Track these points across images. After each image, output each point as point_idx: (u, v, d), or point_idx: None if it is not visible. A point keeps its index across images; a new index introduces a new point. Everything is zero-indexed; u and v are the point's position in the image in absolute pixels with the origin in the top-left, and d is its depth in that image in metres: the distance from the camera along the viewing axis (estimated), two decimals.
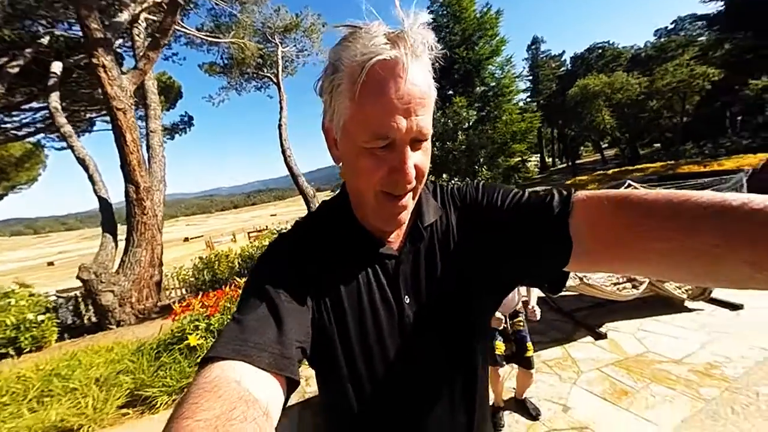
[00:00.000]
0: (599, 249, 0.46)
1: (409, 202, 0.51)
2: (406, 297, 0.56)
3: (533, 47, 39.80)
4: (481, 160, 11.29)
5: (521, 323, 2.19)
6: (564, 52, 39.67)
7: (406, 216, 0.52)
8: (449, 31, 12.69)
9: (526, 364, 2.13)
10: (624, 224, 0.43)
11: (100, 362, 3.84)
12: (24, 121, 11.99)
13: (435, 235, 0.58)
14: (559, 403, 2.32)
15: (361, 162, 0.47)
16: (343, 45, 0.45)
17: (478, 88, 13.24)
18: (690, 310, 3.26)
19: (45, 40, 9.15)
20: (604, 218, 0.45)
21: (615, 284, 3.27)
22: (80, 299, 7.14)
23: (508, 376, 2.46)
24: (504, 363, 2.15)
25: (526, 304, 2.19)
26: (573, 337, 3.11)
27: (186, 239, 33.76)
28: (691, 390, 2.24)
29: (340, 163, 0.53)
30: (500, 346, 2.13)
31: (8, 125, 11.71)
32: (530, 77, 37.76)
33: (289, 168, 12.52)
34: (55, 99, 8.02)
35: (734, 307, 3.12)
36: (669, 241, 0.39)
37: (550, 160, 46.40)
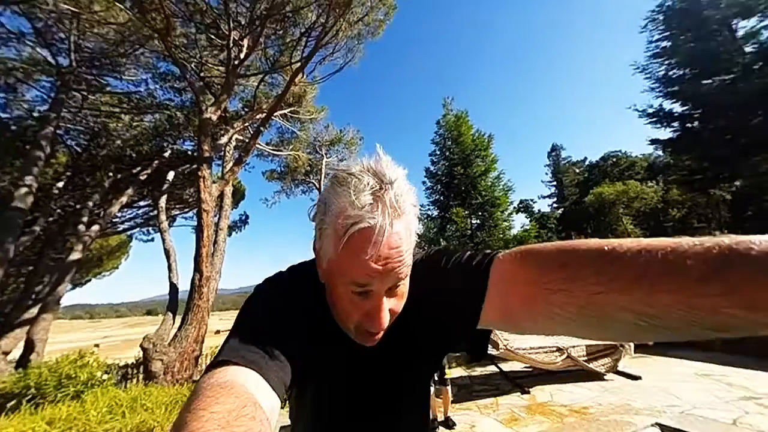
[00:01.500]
0: (515, 307, 0.48)
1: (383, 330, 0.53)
2: (377, 369, 0.63)
3: (553, 154, 42.41)
4: None
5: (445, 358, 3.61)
6: (586, 158, 40.71)
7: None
8: (450, 152, 15.66)
9: (444, 383, 3.52)
10: (528, 280, 0.45)
11: (163, 395, 5.33)
12: (128, 216, 14.60)
13: (401, 318, 0.57)
14: (470, 424, 3.50)
15: (340, 300, 0.52)
16: (334, 189, 0.49)
17: (475, 200, 15.57)
18: (604, 380, 4.25)
19: (167, 153, 12.10)
20: (514, 275, 0.48)
21: (541, 351, 4.36)
22: (130, 367, 8.83)
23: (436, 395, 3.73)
24: (431, 384, 3.54)
25: None
26: (508, 391, 4.24)
27: (218, 332, 36.07)
28: (559, 418, 3.37)
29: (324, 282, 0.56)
30: None
31: (117, 220, 13.93)
32: (554, 183, 40.04)
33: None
34: (163, 200, 10.79)
35: (634, 377, 4.11)
36: (561, 293, 0.41)
37: None
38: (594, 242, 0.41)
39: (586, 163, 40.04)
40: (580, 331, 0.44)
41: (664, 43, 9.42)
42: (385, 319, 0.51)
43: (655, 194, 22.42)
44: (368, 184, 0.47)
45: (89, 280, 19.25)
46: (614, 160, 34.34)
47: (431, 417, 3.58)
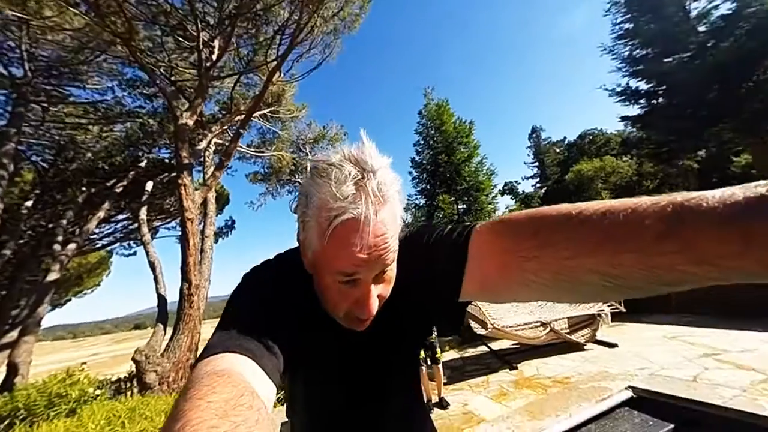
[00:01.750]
0: (492, 277, 0.50)
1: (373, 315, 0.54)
2: (366, 351, 0.65)
3: (534, 135, 43.57)
4: None
5: (434, 338, 3.86)
6: (565, 138, 41.91)
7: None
8: (434, 140, 15.89)
9: (435, 362, 3.77)
10: (504, 249, 0.47)
11: (162, 404, 5.37)
12: (107, 231, 13.99)
13: (387, 300, 0.58)
14: (463, 403, 3.73)
15: (328, 290, 0.53)
16: (314, 181, 0.49)
17: (460, 186, 15.94)
18: (585, 350, 4.57)
19: (143, 163, 11.70)
20: (491, 246, 0.50)
21: (527, 328, 4.62)
22: (122, 381, 8.74)
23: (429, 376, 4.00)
24: (423, 365, 3.78)
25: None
26: (497, 369, 4.50)
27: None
28: (543, 390, 3.63)
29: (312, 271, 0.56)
30: (421, 354, 3.75)
31: (95, 236, 13.31)
32: (536, 164, 41.24)
33: None
34: (143, 212, 10.48)
35: (611, 345, 4.44)
36: (535, 260, 0.42)
37: None
38: (563, 207, 0.42)
39: (566, 142, 41.12)
40: (555, 296, 0.47)
41: (627, 25, 9.86)
42: (374, 306, 0.52)
43: (630, 168, 23.45)
44: (350, 173, 0.46)
45: (69, 300, 18.69)
46: (591, 137, 35.40)
47: (426, 399, 3.80)
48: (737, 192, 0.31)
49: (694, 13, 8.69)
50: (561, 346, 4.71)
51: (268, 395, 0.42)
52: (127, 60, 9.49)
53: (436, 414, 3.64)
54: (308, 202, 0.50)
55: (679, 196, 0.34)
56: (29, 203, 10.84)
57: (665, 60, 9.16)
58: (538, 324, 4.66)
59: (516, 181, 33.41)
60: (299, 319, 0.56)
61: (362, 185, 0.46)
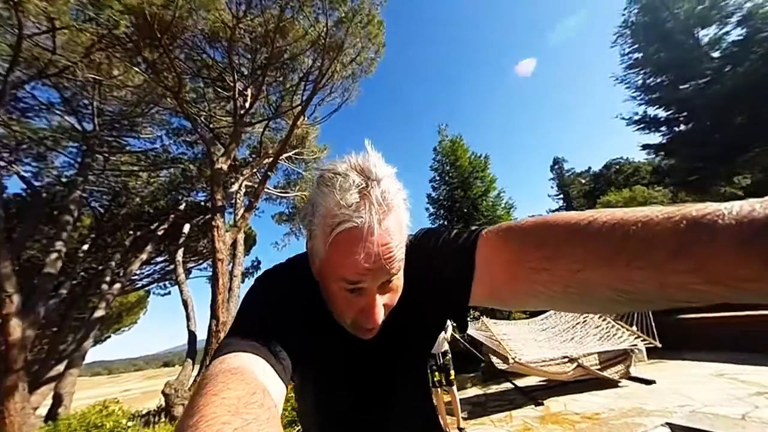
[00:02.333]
0: (499, 285, 0.50)
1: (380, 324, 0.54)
2: (374, 359, 0.67)
3: (556, 167, 42.11)
4: None
5: (448, 360, 3.84)
6: (590, 168, 39.90)
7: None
8: (449, 176, 16.10)
9: (449, 383, 3.76)
10: (512, 258, 0.47)
11: None
12: (146, 273, 14.75)
13: (397, 312, 0.58)
14: None
15: (334, 297, 0.54)
16: (320, 190, 0.50)
17: (478, 221, 15.76)
18: (619, 386, 4.26)
19: (182, 206, 12.53)
20: (499, 253, 0.49)
21: (552, 363, 4.40)
22: (152, 414, 8.91)
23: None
24: (438, 386, 3.79)
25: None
26: (522, 405, 4.29)
27: None
28: (571, 425, 3.42)
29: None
30: (437, 376, 3.73)
31: (136, 277, 13.89)
32: (560, 196, 39.52)
33: None
34: (180, 254, 11.11)
35: (648, 382, 4.12)
36: (545, 272, 0.42)
37: None
38: (572, 216, 0.42)
39: (591, 172, 39.49)
40: (563, 306, 0.47)
41: (636, 55, 10.04)
42: (380, 315, 0.52)
43: (665, 197, 22.20)
44: (354, 182, 0.47)
45: (109, 337, 19.47)
46: (617, 167, 34.09)
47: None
48: (757, 208, 0.29)
49: (705, 40, 8.77)
50: (593, 382, 4.41)
51: (279, 395, 0.43)
52: (175, 111, 10.67)
53: None
54: (314, 211, 0.51)
55: (694, 210, 0.33)
56: (85, 247, 11.83)
57: (681, 87, 9.13)
58: (565, 360, 4.44)
59: (540, 215, 32.29)
60: (308, 323, 0.57)
61: (366, 194, 0.47)
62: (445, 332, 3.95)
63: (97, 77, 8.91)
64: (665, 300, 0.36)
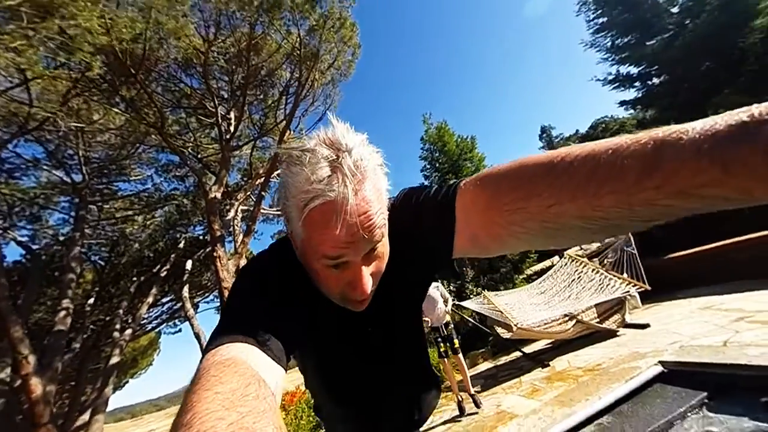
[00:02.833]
0: (480, 232, 0.52)
1: (369, 294, 0.55)
2: (369, 329, 0.71)
3: (544, 135, 42.75)
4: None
5: (451, 330, 4.14)
6: (578, 131, 40.48)
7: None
8: (439, 162, 16.39)
9: (455, 351, 4.07)
10: (489, 203, 0.49)
11: None
12: (155, 315, 14.89)
13: (385, 275, 0.59)
14: (496, 404, 3.88)
15: (320, 276, 0.54)
16: (290, 169, 0.49)
17: None
18: (618, 336, 4.53)
19: (182, 244, 12.67)
20: (476, 201, 0.51)
21: (554, 324, 4.63)
22: None
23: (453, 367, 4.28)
24: (445, 356, 4.12)
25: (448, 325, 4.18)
26: (530, 370, 4.55)
27: None
28: (575, 380, 3.68)
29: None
30: (442, 346, 4.06)
31: (145, 321, 13.97)
32: None
33: None
34: (185, 290, 11.26)
35: (642, 326, 4.39)
36: (520, 212, 0.44)
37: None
38: (546, 155, 0.43)
39: (578, 135, 39.60)
40: (542, 243, 0.48)
41: (601, 20, 10.48)
42: (368, 285, 0.52)
43: None
44: (324, 155, 0.47)
45: (127, 382, 20.05)
46: (604, 125, 34.45)
47: (456, 401, 4.02)
48: (719, 121, 0.31)
49: None
50: (595, 336, 4.67)
51: (276, 381, 0.42)
52: (161, 146, 10.77)
53: (469, 416, 3.81)
54: (287, 192, 0.51)
55: (661, 131, 0.34)
56: (91, 300, 11.96)
57: (648, 43, 9.57)
58: (565, 318, 4.68)
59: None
60: (299, 303, 0.57)
61: (338, 165, 0.46)
62: (446, 305, 4.21)
63: (78, 124, 8.97)
64: (634, 221, 0.38)
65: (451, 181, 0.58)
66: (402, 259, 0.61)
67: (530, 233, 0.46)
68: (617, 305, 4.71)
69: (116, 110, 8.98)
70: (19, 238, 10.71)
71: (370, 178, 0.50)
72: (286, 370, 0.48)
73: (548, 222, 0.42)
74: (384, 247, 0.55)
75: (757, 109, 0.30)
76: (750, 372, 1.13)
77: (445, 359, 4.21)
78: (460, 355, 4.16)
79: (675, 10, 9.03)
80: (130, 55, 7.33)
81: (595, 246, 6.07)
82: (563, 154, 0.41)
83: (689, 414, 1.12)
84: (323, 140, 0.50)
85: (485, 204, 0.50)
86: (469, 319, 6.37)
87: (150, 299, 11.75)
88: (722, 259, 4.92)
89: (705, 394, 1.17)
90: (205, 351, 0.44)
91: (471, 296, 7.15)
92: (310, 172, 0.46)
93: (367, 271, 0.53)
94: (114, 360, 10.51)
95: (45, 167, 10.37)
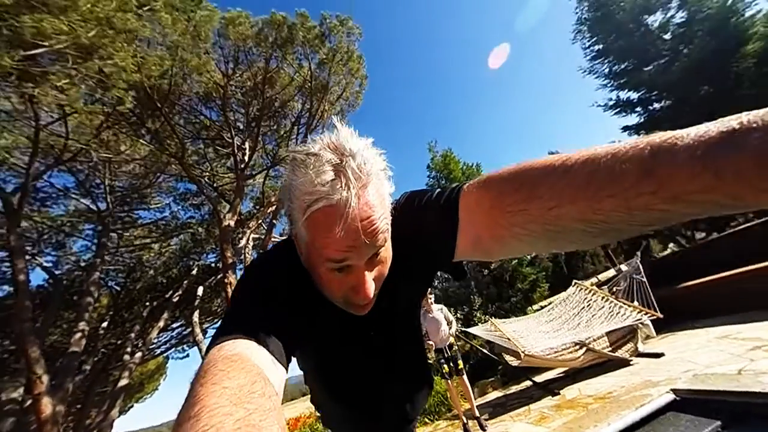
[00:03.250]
0: (482, 234, 0.52)
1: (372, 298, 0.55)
2: (371, 332, 0.73)
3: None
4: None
5: (455, 351, 4.17)
6: None
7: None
8: None
9: (459, 372, 4.07)
10: (491, 206, 0.49)
11: None
12: (164, 340, 15.38)
13: (388, 279, 0.60)
14: (503, 430, 3.80)
15: (323, 279, 0.55)
16: (294, 173, 0.50)
17: None
18: (630, 365, 4.40)
19: (194, 271, 13.19)
20: (479, 204, 0.52)
21: (564, 352, 4.55)
22: None
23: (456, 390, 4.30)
24: (449, 377, 4.12)
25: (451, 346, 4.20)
26: (540, 398, 4.43)
27: None
28: (584, 408, 3.60)
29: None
30: (446, 368, 4.06)
31: (154, 345, 14.46)
32: None
33: None
34: (196, 315, 11.61)
35: (657, 355, 4.27)
36: (521, 214, 0.45)
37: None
38: (548, 159, 0.44)
39: None
40: (544, 246, 0.49)
41: (597, 47, 10.95)
42: (371, 290, 0.53)
43: None
44: (328, 159, 0.47)
45: (132, 407, 19.96)
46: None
47: (455, 413, 4.17)
48: (712, 128, 0.33)
49: (655, 25, 9.72)
50: (608, 365, 4.53)
51: (279, 382, 0.43)
52: (180, 176, 11.41)
53: None
54: (291, 196, 0.51)
55: (658, 137, 0.36)
56: (104, 324, 12.35)
57: (645, 69, 9.94)
58: (574, 346, 4.61)
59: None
60: (302, 304, 0.58)
61: (341, 169, 0.47)
62: (450, 327, 4.25)
63: (107, 155, 9.61)
64: (633, 225, 0.39)
65: (454, 184, 0.60)
66: (404, 262, 0.61)
67: (532, 235, 0.47)
68: (629, 334, 4.61)
69: (142, 141, 9.68)
70: (45, 264, 11.25)
71: (373, 183, 0.50)
72: (287, 371, 0.50)
73: (549, 224, 0.44)
74: (387, 252, 0.56)
75: (746, 117, 0.31)
76: (765, 400, 1.25)
77: (449, 381, 4.21)
78: (464, 377, 4.15)
79: (667, 36, 9.47)
80: (157, 90, 8.07)
81: (603, 276, 6.02)
82: (564, 158, 0.43)
83: None
84: (327, 144, 0.50)
85: (489, 205, 0.51)
86: (479, 347, 6.28)
87: (161, 323, 12.02)
88: (739, 288, 4.80)
89: (719, 423, 1.24)
90: (209, 347, 0.45)
91: (479, 324, 7.07)
92: (315, 175, 0.47)
93: (370, 276, 0.54)
94: (123, 382, 10.63)
95: (74, 196, 11.05)
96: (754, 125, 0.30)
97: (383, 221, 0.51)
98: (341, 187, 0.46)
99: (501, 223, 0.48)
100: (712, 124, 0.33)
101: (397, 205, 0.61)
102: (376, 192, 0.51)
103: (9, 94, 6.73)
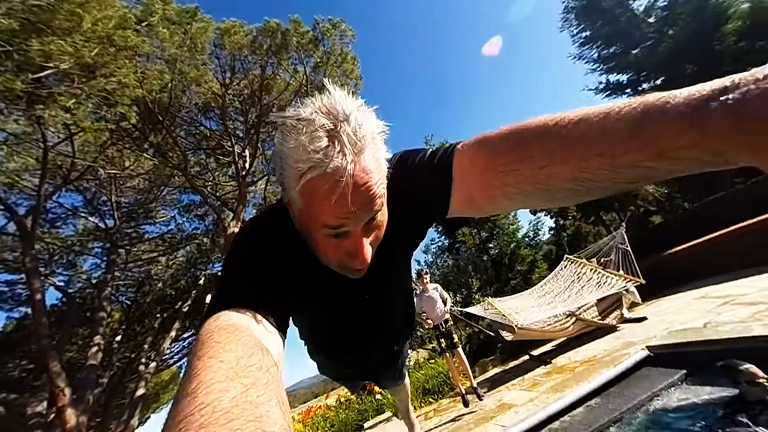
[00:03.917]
0: (475, 192, 0.54)
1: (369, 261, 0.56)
2: (366, 295, 0.76)
3: None
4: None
5: (450, 326, 4.51)
6: None
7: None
8: None
9: (455, 346, 4.43)
10: (485, 165, 0.51)
11: None
12: (176, 350, 15.45)
13: (383, 239, 0.61)
14: (498, 399, 4.16)
15: (319, 245, 0.55)
16: (285, 139, 0.49)
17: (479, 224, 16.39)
18: (617, 330, 4.75)
19: (202, 281, 13.39)
20: (473, 163, 0.54)
21: (556, 323, 4.91)
22: None
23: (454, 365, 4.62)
24: (445, 350, 4.48)
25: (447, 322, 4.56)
26: (533, 368, 4.79)
27: None
28: (571, 372, 3.96)
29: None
30: (443, 342, 4.45)
31: (166, 356, 14.49)
32: None
33: None
34: None
35: (640, 320, 4.62)
36: (514, 174, 0.46)
37: None
38: (541, 119, 0.46)
39: None
40: (535, 203, 0.53)
41: (585, 33, 11.34)
42: (368, 254, 0.55)
43: None
44: (321, 125, 0.46)
45: (149, 417, 19.97)
46: None
47: (457, 391, 4.45)
48: (706, 87, 0.33)
49: (640, 9, 10.11)
50: (596, 333, 4.87)
51: (277, 349, 0.44)
52: (183, 187, 11.81)
53: (471, 407, 4.18)
54: (283, 163, 0.51)
55: (652, 97, 0.36)
56: (118, 338, 12.81)
57: (632, 52, 10.30)
58: (566, 316, 4.94)
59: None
60: (297, 266, 0.60)
61: (336, 134, 0.46)
62: (445, 305, 4.59)
63: (113, 171, 10.06)
64: (618, 183, 0.41)
65: (447, 144, 0.60)
66: (398, 222, 0.62)
67: (523, 194, 0.49)
68: (617, 302, 4.95)
69: (145, 155, 10.11)
70: (58, 283, 11.80)
71: (369, 147, 0.50)
72: (285, 338, 0.50)
73: (540, 184, 0.46)
74: (383, 216, 0.56)
75: (738, 77, 0.31)
76: (720, 347, 1.30)
77: (447, 355, 4.58)
78: (459, 349, 4.52)
79: (652, 19, 9.86)
80: (158, 103, 8.48)
81: (591, 248, 6.37)
82: (558, 118, 0.44)
83: (670, 389, 1.31)
84: (319, 108, 0.49)
85: (482, 165, 0.52)
86: (482, 329, 6.64)
87: (173, 333, 12.35)
88: (721, 250, 5.10)
89: (684, 371, 1.33)
90: (204, 316, 0.45)
91: (476, 305, 7.41)
92: (308, 142, 0.46)
93: (366, 241, 0.54)
94: (140, 391, 10.98)
95: (82, 214, 11.50)
96: (741, 83, 0.31)
97: (380, 186, 0.51)
98: (336, 153, 0.46)
99: (494, 182, 0.51)
100: (707, 83, 0.34)
101: (390, 165, 0.59)
102: (372, 157, 0.50)
103: (18, 117, 7.08)
